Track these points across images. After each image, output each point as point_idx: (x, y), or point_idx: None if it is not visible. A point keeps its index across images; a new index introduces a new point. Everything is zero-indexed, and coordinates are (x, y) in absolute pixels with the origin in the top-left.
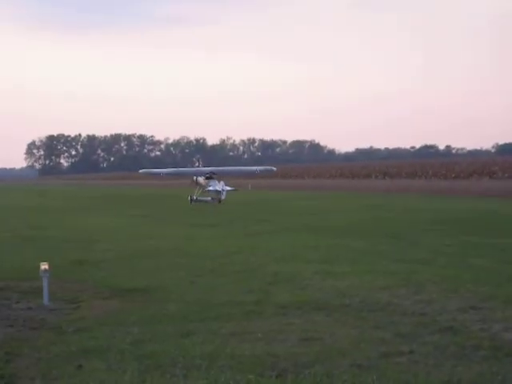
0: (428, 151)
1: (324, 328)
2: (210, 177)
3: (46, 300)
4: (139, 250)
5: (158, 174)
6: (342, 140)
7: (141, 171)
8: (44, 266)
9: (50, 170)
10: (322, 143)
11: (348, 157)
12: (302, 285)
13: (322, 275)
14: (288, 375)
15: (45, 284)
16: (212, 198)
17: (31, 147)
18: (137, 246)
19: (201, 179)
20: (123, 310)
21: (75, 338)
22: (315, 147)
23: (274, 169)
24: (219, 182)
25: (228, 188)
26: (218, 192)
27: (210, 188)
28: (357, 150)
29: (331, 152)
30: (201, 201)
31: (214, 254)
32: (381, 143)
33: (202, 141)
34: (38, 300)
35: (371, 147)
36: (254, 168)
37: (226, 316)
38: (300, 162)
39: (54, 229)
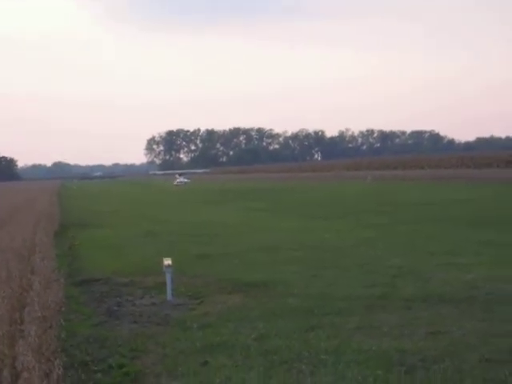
0: None
1: (451, 321)
2: (180, 174)
3: (169, 295)
4: (258, 243)
5: (154, 174)
6: (461, 129)
7: (150, 172)
8: (167, 261)
9: (169, 165)
10: (442, 133)
11: (468, 146)
12: (426, 277)
13: (446, 267)
14: (417, 371)
15: (168, 280)
16: (181, 183)
17: (151, 143)
18: (256, 239)
19: (177, 175)
20: (246, 305)
21: (200, 335)
22: (435, 137)
23: (208, 170)
24: (181, 176)
25: (185, 180)
26: (181, 181)
27: (177, 180)
28: (477, 139)
29: (451, 142)
30: (177, 184)
31: (333, 246)
32: (502, 132)
33: (320, 133)
34: (161, 295)
35: (492, 136)
36: (200, 170)
37: (350, 310)
38: (419, 153)
39: (175, 223)
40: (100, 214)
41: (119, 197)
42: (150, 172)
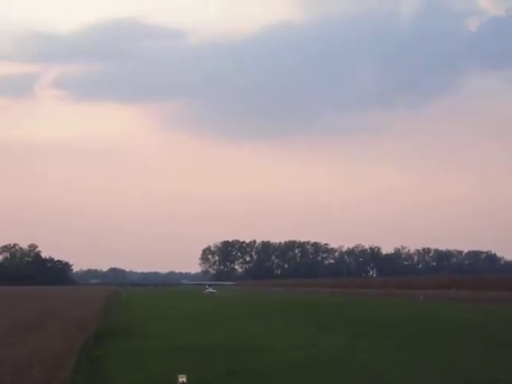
0: None
1: None
2: (209, 285)
3: None
4: (292, 361)
5: (188, 284)
6: None
7: (183, 281)
8: (182, 378)
9: (224, 276)
10: (499, 254)
11: None
12: None
13: None
14: None
15: None
16: (211, 293)
17: (206, 252)
18: (290, 357)
19: (206, 286)
20: None
21: None
22: (491, 258)
23: (235, 283)
24: (210, 287)
25: (213, 290)
26: (210, 291)
27: (207, 290)
28: None
29: (508, 263)
30: (207, 294)
31: (368, 367)
32: None
33: (376, 249)
34: None
35: None
36: (229, 283)
37: None
38: (475, 273)
39: (208, 335)
40: (137, 321)
41: (158, 305)
42: (184, 281)
